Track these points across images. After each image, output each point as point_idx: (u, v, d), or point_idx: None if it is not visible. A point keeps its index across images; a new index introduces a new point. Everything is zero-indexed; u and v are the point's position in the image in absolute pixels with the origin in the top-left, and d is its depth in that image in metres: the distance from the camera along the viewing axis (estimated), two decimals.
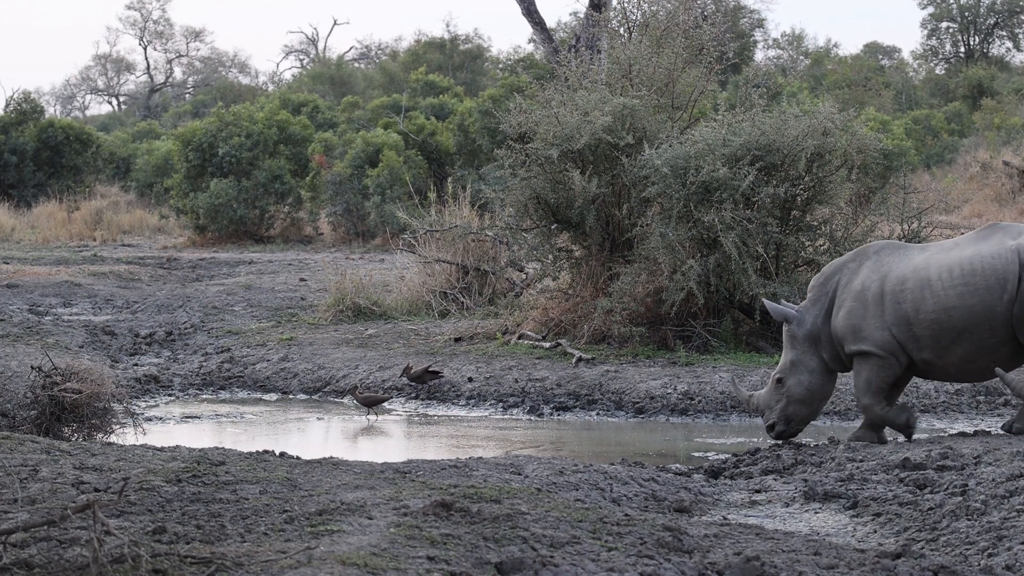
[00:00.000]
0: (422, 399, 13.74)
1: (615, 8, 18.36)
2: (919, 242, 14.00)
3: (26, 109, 40.49)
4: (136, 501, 6.47)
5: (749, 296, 13.91)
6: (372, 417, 12.98)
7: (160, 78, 78.55)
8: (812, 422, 10.48)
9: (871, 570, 5.93)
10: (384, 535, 5.84)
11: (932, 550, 6.70)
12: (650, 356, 14.10)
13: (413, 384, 13.86)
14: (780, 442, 10.18)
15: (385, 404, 13.35)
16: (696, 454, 10.81)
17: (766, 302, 10.32)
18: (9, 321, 17.32)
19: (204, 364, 15.52)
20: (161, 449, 8.73)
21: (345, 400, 13.88)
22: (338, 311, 17.64)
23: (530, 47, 56.19)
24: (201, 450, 8.66)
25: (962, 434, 10.04)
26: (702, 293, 13.75)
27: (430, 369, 13.94)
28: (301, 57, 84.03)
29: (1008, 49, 60.12)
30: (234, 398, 14.22)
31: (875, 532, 7.25)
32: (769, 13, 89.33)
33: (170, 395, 14.11)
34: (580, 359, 14.07)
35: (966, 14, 59.39)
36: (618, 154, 14.76)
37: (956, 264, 9.67)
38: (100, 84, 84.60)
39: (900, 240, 13.37)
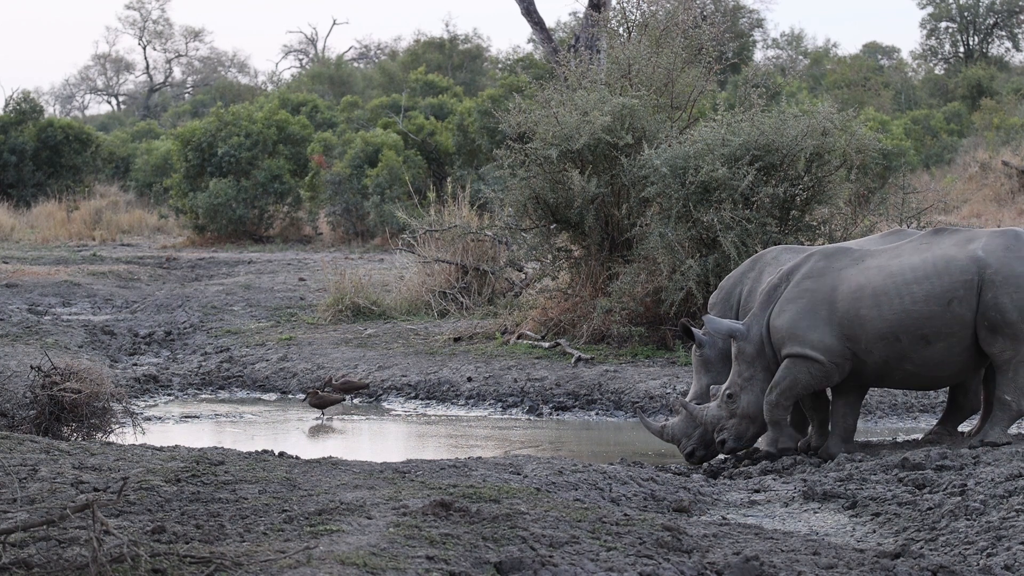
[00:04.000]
0: (422, 399, 13.74)
1: (614, 8, 18.35)
2: None
3: (25, 109, 40.45)
4: (135, 501, 6.47)
5: None
6: (322, 417, 12.94)
7: (159, 78, 78.51)
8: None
9: (870, 570, 5.94)
10: (383, 535, 5.85)
11: (931, 550, 6.70)
12: (649, 356, 14.10)
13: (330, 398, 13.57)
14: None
15: (348, 401, 13.31)
16: None
17: (707, 319, 9.84)
18: (8, 321, 17.32)
19: (203, 364, 15.52)
20: (160, 449, 8.73)
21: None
22: (337, 311, 17.64)
23: (529, 47, 56.19)
24: (200, 450, 8.66)
25: (961, 434, 10.03)
26: (701, 293, 13.75)
27: (345, 382, 13.73)
28: (300, 57, 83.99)
29: (1007, 49, 60.08)
30: (233, 398, 14.21)
31: (874, 532, 7.25)
32: (768, 13, 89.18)
33: (169, 395, 14.11)
34: (579, 359, 14.07)
35: (965, 14, 59.34)
36: (617, 154, 14.76)
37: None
38: (99, 84, 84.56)
39: None
